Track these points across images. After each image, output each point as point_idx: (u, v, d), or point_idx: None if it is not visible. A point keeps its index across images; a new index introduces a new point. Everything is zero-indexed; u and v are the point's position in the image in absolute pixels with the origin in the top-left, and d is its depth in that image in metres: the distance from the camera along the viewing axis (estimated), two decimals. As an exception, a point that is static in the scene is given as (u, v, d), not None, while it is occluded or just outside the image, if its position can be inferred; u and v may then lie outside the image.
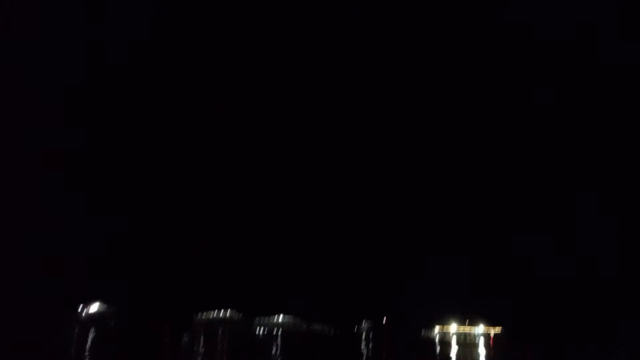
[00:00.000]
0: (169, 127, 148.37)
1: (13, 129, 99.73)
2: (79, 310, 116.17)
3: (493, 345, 79.10)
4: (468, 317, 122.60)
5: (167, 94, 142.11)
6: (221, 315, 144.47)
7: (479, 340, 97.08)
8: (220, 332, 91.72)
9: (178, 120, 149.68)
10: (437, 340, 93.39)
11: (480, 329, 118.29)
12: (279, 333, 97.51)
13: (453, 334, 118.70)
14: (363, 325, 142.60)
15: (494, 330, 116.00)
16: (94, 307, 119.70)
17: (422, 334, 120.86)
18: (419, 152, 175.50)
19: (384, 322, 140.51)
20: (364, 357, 37.00)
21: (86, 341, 38.12)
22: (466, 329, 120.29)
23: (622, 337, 79.73)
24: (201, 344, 47.16)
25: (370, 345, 57.98)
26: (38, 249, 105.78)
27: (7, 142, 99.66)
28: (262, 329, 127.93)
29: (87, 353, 26.62)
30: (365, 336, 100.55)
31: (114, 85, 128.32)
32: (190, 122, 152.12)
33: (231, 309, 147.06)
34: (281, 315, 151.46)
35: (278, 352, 40.72)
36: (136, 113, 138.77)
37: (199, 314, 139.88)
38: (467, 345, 69.51)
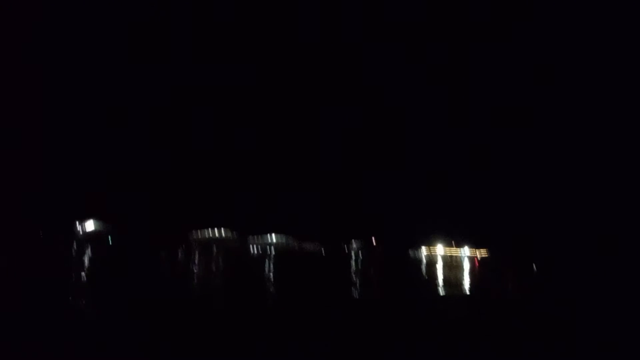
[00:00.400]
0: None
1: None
2: (75, 227, 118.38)
3: (478, 266, 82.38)
4: (454, 239, 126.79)
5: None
6: (216, 234, 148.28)
7: (464, 261, 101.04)
8: (214, 249, 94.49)
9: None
10: (423, 260, 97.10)
11: (466, 251, 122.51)
12: (272, 251, 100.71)
13: (439, 255, 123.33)
14: (352, 245, 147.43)
15: (479, 253, 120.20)
16: (90, 225, 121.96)
17: (410, 254, 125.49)
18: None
19: (372, 242, 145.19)
20: (353, 273, 38.37)
21: (84, 257, 38.96)
22: (452, 250, 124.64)
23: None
24: (196, 260, 48.64)
25: (359, 263, 60.12)
26: (34, 166, 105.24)
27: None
28: (255, 247, 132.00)
29: (86, 268, 27.22)
30: (355, 255, 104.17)
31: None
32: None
33: (225, 228, 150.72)
34: (273, 235, 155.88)
35: (271, 267, 42.13)
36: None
37: (193, 232, 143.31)
38: (452, 266, 72.34)
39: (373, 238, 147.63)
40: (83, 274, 25.11)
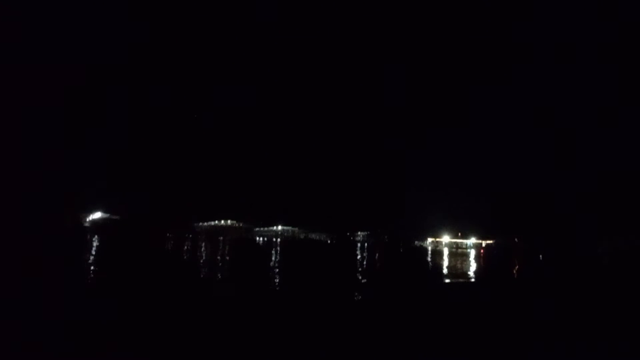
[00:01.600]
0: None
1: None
2: (83, 218, 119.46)
3: (484, 254, 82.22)
4: (460, 230, 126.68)
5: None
6: (222, 224, 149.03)
7: (470, 250, 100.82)
8: (221, 238, 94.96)
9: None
10: (429, 249, 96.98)
11: (471, 240, 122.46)
12: (278, 241, 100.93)
13: (445, 244, 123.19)
14: (358, 235, 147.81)
15: (484, 242, 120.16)
16: (97, 215, 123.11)
17: (415, 244, 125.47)
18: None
19: (378, 232, 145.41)
20: (358, 262, 38.49)
21: (92, 246, 39.32)
22: (458, 240, 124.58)
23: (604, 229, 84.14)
24: (202, 248, 48.89)
25: (365, 253, 60.20)
26: (42, 159, 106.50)
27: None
28: (261, 237, 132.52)
29: (93, 257, 27.50)
30: (361, 245, 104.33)
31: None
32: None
33: (231, 220, 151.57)
34: (280, 226, 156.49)
35: (277, 255, 42.29)
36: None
37: (200, 223, 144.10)
38: (458, 255, 72.26)
39: (379, 229, 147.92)
40: (91, 261, 25.37)
